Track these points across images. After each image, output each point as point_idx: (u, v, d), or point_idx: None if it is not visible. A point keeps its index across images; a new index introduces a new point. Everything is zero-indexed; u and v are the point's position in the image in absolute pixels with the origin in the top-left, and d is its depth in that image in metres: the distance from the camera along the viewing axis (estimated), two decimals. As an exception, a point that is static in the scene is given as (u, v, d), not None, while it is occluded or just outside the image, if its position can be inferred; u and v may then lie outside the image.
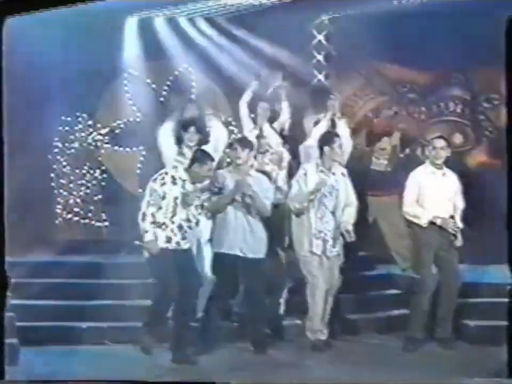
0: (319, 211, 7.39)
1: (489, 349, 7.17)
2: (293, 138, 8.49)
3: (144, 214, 6.87)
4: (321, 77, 9.76)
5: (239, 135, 8.05)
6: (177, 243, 6.93)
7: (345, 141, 7.88)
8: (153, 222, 6.85)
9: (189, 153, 7.66)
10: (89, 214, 9.70)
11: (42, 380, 6.45)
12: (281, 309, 7.86)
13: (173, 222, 6.91)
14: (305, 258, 7.41)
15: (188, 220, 6.96)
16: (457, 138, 9.53)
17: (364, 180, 8.02)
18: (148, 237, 6.86)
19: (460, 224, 7.51)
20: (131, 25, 9.44)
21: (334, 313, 7.60)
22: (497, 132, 9.56)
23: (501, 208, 8.33)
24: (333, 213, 7.43)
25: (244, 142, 7.45)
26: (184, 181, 6.96)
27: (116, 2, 7.82)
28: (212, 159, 7.14)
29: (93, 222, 9.71)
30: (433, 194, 7.46)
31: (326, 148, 7.44)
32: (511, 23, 5.04)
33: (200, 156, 7.07)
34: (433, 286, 7.47)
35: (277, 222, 7.66)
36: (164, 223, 6.90)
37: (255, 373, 6.73)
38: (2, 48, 5.46)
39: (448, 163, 7.58)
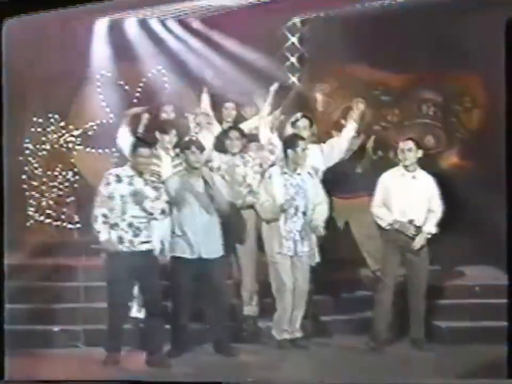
0: (289, 212, 7.40)
1: (462, 349, 7.26)
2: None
3: (95, 216, 6.88)
4: (294, 79, 9.78)
5: (193, 138, 8.01)
6: (130, 242, 6.86)
7: (343, 142, 7.91)
8: (105, 223, 6.84)
9: (165, 156, 7.68)
10: (62, 216, 9.66)
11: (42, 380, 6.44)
12: (254, 311, 7.84)
13: (123, 220, 6.87)
14: (276, 259, 7.41)
15: (139, 216, 6.89)
16: (429, 141, 9.57)
17: (336, 182, 8.04)
18: (102, 236, 6.86)
19: (432, 228, 7.50)
20: (103, 27, 9.40)
21: (307, 314, 7.61)
22: (469, 134, 9.65)
23: (472, 209, 8.44)
24: (304, 213, 7.44)
25: (198, 145, 7.34)
26: (131, 176, 6.91)
27: (88, 3, 7.78)
28: (149, 145, 7.08)
29: (65, 224, 9.67)
30: (400, 197, 7.48)
31: (289, 151, 7.47)
32: (510, 24, 5.07)
33: (135, 145, 7.01)
34: (393, 286, 7.48)
35: (243, 223, 7.70)
36: (116, 224, 6.87)
37: (225, 375, 6.71)
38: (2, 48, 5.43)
39: (421, 166, 7.61)
